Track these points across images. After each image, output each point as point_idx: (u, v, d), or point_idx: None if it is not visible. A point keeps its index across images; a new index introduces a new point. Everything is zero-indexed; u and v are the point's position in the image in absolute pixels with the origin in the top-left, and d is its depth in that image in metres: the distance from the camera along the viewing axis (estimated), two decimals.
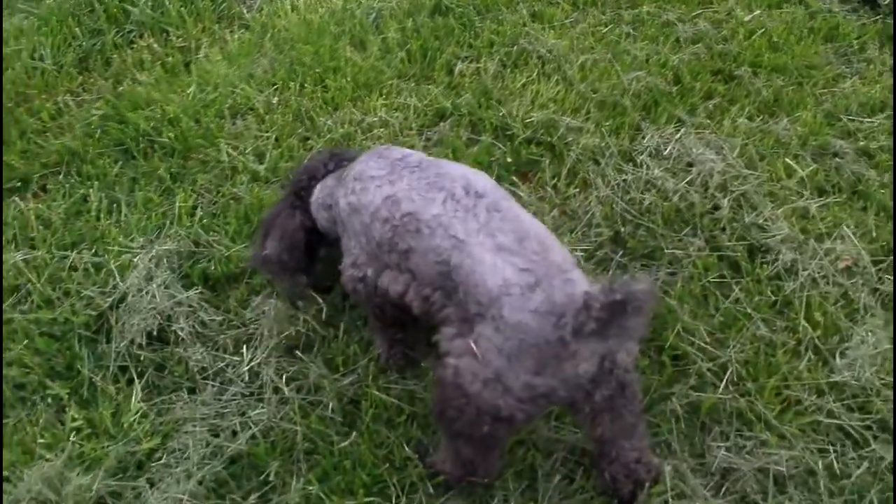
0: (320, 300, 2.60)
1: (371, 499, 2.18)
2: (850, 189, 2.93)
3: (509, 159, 3.07)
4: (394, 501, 2.18)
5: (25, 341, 2.55)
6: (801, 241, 2.69)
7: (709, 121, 3.15)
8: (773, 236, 2.69)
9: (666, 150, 3.03)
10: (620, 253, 2.75)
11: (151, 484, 2.25)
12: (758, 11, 3.73)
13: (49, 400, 2.44)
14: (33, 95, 3.44)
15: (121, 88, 3.47)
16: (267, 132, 3.25)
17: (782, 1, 3.84)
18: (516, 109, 3.25)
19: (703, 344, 2.45)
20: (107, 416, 2.38)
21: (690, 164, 2.98)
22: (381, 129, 3.22)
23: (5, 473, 2.28)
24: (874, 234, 2.74)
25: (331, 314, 2.59)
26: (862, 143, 3.08)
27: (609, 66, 3.44)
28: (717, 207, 2.84)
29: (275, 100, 3.40)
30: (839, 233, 2.72)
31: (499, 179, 2.96)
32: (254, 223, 2.86)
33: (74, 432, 2.36)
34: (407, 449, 2.28)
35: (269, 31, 3.77)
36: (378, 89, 3.42)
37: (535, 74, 3.44)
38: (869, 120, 3.18)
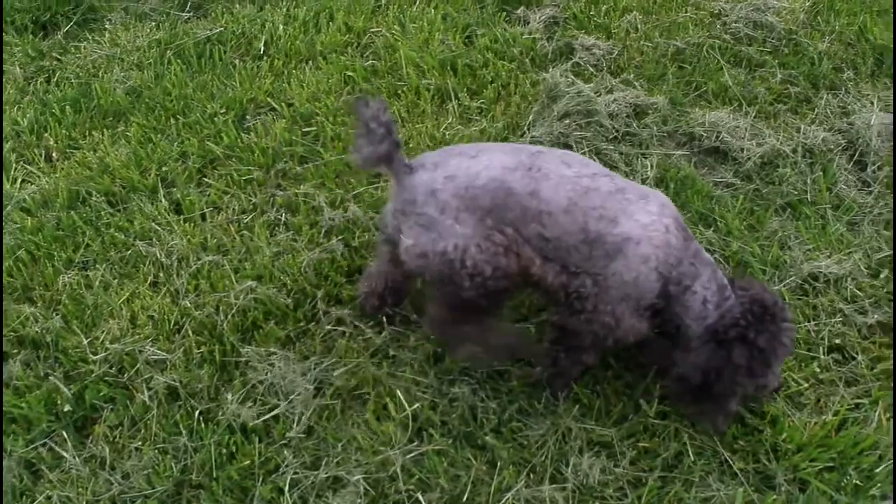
0: None
1: None
2: None
3: (67, 407, 2.66)
4: None
5: None
6: None
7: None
8: None
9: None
10: None
11: None
12: None
13: None
14: None
15: None
16: None
17: None
18: (104, 335, 2.86)
19: None
20: None
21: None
22: None
23: None
24: None
25: None
26: None
27: (226, 272, 3.04)
28: None
29: None
30: None
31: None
32: None
33: None
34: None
35: None
36: None
37: (142, 287, 3.04)
38: None
